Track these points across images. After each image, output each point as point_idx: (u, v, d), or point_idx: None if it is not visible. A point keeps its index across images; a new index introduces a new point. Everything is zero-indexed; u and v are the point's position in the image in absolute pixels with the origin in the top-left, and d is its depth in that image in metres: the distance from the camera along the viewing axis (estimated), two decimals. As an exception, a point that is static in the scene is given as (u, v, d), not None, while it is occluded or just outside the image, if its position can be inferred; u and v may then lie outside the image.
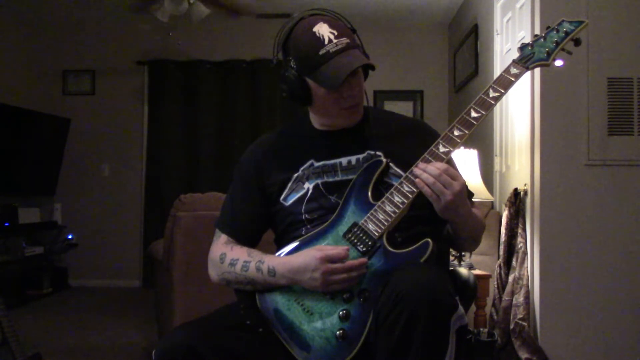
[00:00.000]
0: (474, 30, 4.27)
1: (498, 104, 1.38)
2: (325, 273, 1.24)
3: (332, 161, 1.44)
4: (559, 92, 2.77)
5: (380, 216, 1.30)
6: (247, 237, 1.49)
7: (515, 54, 1.42)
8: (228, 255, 1.42)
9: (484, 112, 1.34)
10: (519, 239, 2.85)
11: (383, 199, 1.32)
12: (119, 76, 5.68)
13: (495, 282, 2.93)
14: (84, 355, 3.22)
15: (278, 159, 1.49)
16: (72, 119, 5.49)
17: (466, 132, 1.33)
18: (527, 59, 1.38)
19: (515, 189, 2.97)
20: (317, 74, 1.35)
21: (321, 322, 1.26)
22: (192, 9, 4.37)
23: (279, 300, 1.33)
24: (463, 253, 2.76)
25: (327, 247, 1.29)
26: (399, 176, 1.37)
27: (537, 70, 2.66)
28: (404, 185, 1.31)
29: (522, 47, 1.41)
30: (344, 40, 1.34)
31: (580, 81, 2.75)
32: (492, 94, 1.36)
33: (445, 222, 1.39)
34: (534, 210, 2.80)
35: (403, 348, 1.11)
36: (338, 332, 1.23)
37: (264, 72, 5.50)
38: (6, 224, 4.69)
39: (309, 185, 1.42)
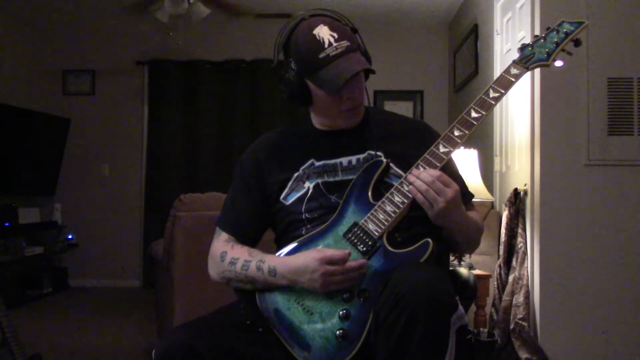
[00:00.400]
0: (474, 30, 4.27)
1: (498, 104, 1.38)
2: (325, 274, 1.24)
3: (333, 161, 1.44)
4: (559, 92, 2.77)
5: (381, 216, 1.30)
6: (248, 236, 1.49)
7: (515, 54, 1.42)
8: (229, 254, 1.42)
9: (484, 113, 1.34)
10: (519, 239, 2.85)
11: (383, 199, 1.32)
12: (119, 76, 5.68)
13: (495, 282, 2.93)
14: (84, 355, 3.22)
15: (279, 158, 1.49)
16: (72, 119, 5.49)
17: (466, 132, 1.33)
18: (527, 59, 1.39)
19: (515, 189, 2.97)
20: (317, 77, 1.35)
21: (321, 322, 1.26)
22: (192, 9, 4.38)
23: (279, 300, 1.33)
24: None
25: (327, 249, 1.29)
26: (400, 176, 1.37)
27: (537, 71, 2.67)
28: (404, 186, 1.31)
29: (522, 48, 1.41)
30: (344, 43, 1.34)
31: (580, 81, 2.75)
32: (492, 94, 1.36)
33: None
34: (534, 210, 2.80)
35: (403, 348, 1.11)
36: (338, 332, 1.23)
37: (264, 72, 5.50)
38: (6, 224, 4.69)
39: (309, 185, 1.42)
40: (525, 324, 2.69)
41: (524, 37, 3.05)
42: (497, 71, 3.62)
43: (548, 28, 1.41)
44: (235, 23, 5.44)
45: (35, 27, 5.59)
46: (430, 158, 1.33)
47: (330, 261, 1.25)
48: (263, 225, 1.52)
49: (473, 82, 4.38)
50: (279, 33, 1.43)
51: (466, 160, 3.04)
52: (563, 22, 1.40)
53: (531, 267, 2.80)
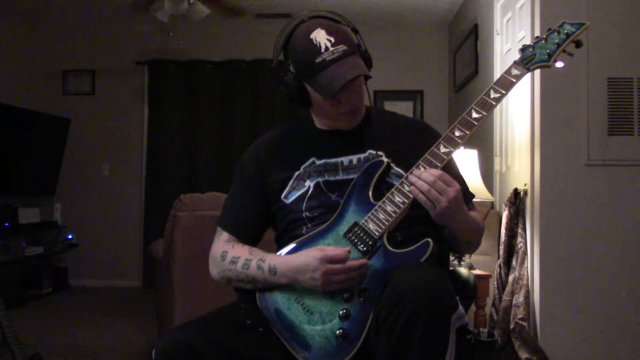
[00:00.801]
0: (474, 30, 4.27)
1: (498, 105, 1.38)
2: (326, 273, 1.24)
3: (334, 160, 1.44)
4: (559, 92, 2.77)
5: (381, 216, 1.30)
6: (249, 235, 1.49)
7: (516, 54, 1.42)
8: (229, 253, 1.42)
9: (484, 113, 1.34)
10: (519, 239, 2.85)
11: (384, 198, 1.32)
12: (119, 76, 5.68)
13: (495, 282, 2.93)
14: (84, 355, 3.22)
15: (279, 157, 1.49)
16: (72, 119, 5.49)
17: (467, 132, 1.33)
18: (528, 60, 1.39)
19: (515, 189, 2.97)
20: (314, 81, 1.35)
21: (321, 322, 1.26)
22: (192, 9, 4.38)
23: (279, 300, 1.33)
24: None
25: (328, 248, 1.29)
26: (400, 176, 1.37)
27: (538, 71, 2.65)
28: (405, 186, 1.31)
29: (523, 49, 1.41)
30: (341, 47, 1.34)
31: (580, 81, 2.75)
32: (493, 94, 1.36)
33: (445, 222, 1.40)
34: (534, 210, 2.80)
35: (403, 348, 1.11)
36: (338, 332, 1.23)
37: (264, 72, 5.50)
38: (6, 224, 4.69)
39: (309, 183, 1.43)
40: (525, 324, 2.69)
41: (524, 37, 3.05)
42: (497, 71, 3.62)
43: (549, 29, 1.41)
44: (235, 23, 5.44)
45: (35, 27, 5.58)
46: (431, 158, 1.33)
47: (331, 260, 1.25)
48: (264, 224, 1.52)
49: (473, 82, 4.38)
50: (278, 34, 1.43)
51: (466, 160, 3.04)
52: (564, 23, 1.40)
53: (531, 267, 2.80)
